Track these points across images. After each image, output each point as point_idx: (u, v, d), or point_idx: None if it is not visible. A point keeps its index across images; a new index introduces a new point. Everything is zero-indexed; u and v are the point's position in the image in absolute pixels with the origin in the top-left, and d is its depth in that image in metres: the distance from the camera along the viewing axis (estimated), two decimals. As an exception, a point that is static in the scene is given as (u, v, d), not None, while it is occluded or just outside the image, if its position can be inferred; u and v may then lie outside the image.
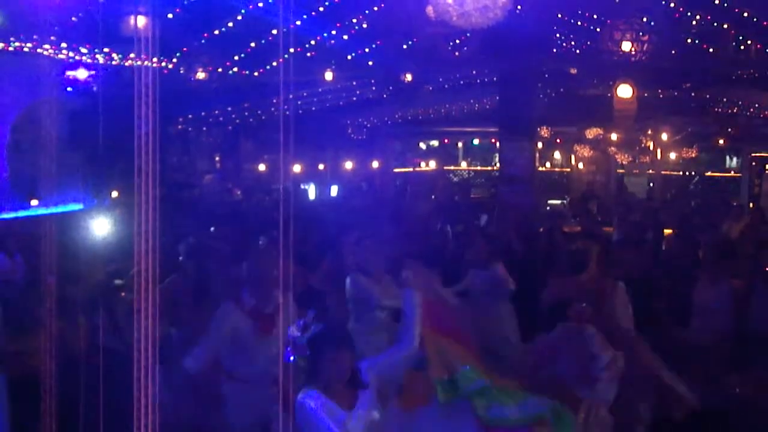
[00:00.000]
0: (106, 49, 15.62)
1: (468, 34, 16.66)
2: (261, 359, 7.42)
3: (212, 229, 14.19)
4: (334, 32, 15.83)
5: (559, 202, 27.26)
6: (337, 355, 5.70)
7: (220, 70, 17.86)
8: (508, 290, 10.75)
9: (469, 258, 11.23)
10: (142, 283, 4.14)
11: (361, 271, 9.31)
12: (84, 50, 15.87)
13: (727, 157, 36.20)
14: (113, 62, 16.69)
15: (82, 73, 17.26)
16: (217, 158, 31.68)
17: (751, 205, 25.80)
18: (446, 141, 39.17)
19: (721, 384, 8.21)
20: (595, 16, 16.09)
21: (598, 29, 16.11)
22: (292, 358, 5.79)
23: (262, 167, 32.33)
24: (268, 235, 11.74)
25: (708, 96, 25.24)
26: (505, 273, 10.75)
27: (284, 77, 19.51)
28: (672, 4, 14.60)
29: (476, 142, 38.11)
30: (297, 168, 32.30)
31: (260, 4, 13.00)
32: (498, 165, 21.75)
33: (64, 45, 15.47)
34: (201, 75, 17.84)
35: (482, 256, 10.96)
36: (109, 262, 10.57)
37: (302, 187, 28.79)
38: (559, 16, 16.20)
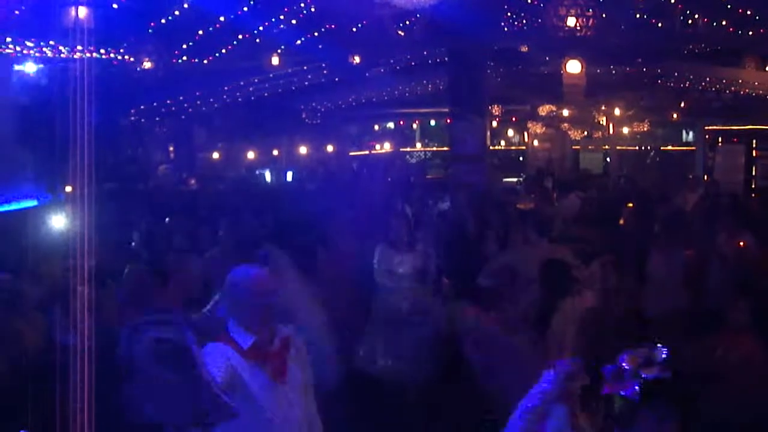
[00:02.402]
0: (52, 42, 15.48)
1: (417, 15, 16.66)
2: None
3: (167, 219, 14.11)
4: (282, 17, 15.78)
5: (515, 180, 27.32)
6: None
7: (168, 58, 17.74)
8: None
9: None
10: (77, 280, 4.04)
11: None
12: (30, 44, 15.70)
13: (683, 131, 36.46)
14: (61, 55, 16.53)
15: (30, 68, 17.07)
16: (171, 148, 31.50)
17: (705, 177, 26.05)
18: (401, 123, 39.17)
19: (675, 354, 8.28)
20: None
21: (543, 5, 16.17)
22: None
23: (216, 155, 32.22)
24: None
25: (659, 71, 25.43)
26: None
27: (234, 64, 19.57)
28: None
29: (432, 123, 38.17)
30: (251, 154, 32.24)
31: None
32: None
33: (9, 39, 15.30)
34: (148, 65, 17.69)
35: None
36: (66, 258, 10.44)
37: (257, 172, 28.73)
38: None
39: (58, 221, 13.48)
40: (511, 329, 7.88)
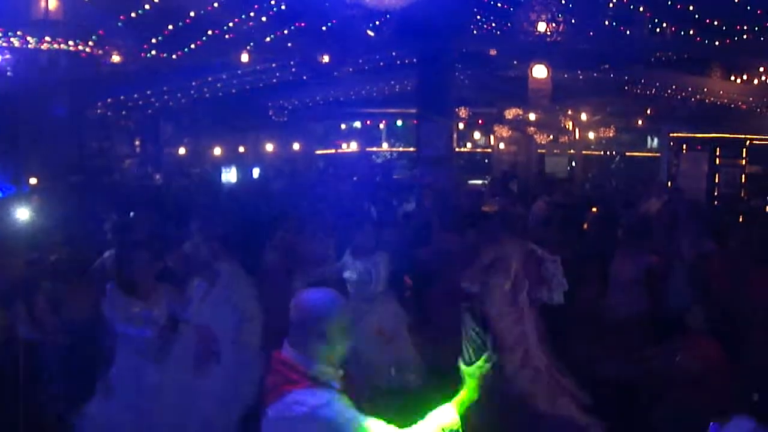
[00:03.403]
0: (20, 32, 15.34)
1: (387, 16, 16.69)
2: None
3: (132, 213, 14.05)
4: (252, 14, 15.77)
5: (480, 182, 27.43)
6: None
7: (137, 52, 17.66)
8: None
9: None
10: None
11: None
12: (-3, 33, 15.58)
13: (649, 138, 36.73)
14: (29, 46, 16.40)
15: (-4, 58, 16.91)
16: (137, 142, 31.34)
17: (669, 183, 26.26)
18: (368, 122, 39.23)
19: (636, 356, 8.40)
20: (514, -3, 16.26)
21: (513, 9, 16.25)
22: None
23: (182, 150, 32.11)
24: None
25: (626, 77, 25.60)
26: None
27: (202, 60, 19.52)
28: (588, -14, 14.83)
29: (399, 123, 38.26)
30: (217, 150, 32.14)
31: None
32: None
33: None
34: (116, 58, 17.57)
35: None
36: (28, 250, 10.41)
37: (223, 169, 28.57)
38: (478, -3, 16.33)
39: (22, 213, 13.39)
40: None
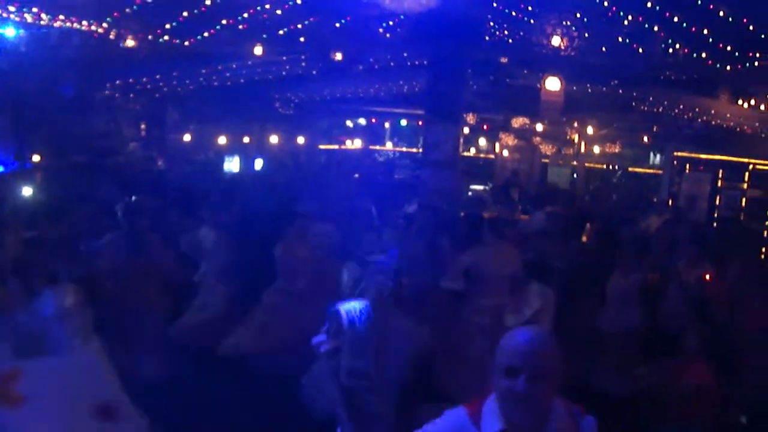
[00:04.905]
0: (35, 9, 15.34)
1: (401, 17, 16.69)
2: None
3: (133, 197, 14.02)
4: (267, 6, 15.75)
5: (482, 187, 27.44)
6: None
7: (150, 37, 17.65)
8: None
9: None
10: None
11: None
12: (12, 8, 15.57)
13: (651, 154, 36.77)
14: (41, 23, 16.40)
15: (10, 32, 16.91)
16: (142, 126, 31.32)
17: (669, 202, 26.29)
18: (373, 121, 39.23)
19: (630, 373, 8.45)
20: (530, 8, 16.22)
21: (531, 21, 16.24)
22: None
23: (187, 137, 32.13)
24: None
25: (635, 94, 25.60)
26: None
27: (214, 48, 19.52)
28: (605, 3, 14.78)
29: (403, 123, 38.28)
30: (222, 139, 32.18)
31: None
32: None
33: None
34: (130, 42, 17.56)
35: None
36: (28, 227, 10.38)
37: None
38: (495, 5, 16.28)
39: (23, 190, 13.39)
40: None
